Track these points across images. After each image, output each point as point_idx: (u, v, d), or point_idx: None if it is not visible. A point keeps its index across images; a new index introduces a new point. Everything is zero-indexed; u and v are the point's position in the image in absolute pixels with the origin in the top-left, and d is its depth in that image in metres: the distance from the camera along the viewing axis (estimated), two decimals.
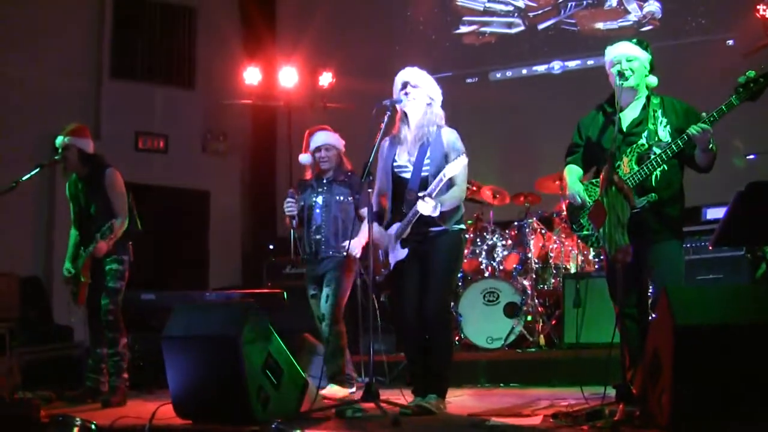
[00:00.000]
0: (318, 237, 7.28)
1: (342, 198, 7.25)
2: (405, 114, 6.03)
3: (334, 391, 7.06)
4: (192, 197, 13.37)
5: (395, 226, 5.95)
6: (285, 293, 9.27)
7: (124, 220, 7.14)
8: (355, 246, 7.07)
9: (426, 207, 5.66)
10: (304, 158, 7.48)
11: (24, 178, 7.35)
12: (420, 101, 6.00)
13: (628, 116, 5.63)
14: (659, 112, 5.52)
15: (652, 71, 5.68)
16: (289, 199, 7.33)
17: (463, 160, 5.72)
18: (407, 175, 5.96)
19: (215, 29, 13.81)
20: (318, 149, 7.37)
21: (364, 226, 6.73)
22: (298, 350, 8.33)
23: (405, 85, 6.02)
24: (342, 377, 7.20)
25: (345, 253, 7.13)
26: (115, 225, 6.99)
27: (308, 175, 7.53)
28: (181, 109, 13.27)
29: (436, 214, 5.71)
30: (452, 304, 8.66)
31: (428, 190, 5.70)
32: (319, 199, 7.32)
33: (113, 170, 7.27)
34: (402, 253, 5.92)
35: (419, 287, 5.90)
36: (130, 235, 7.29)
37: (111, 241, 7.04)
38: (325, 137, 7.40)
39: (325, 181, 7.37)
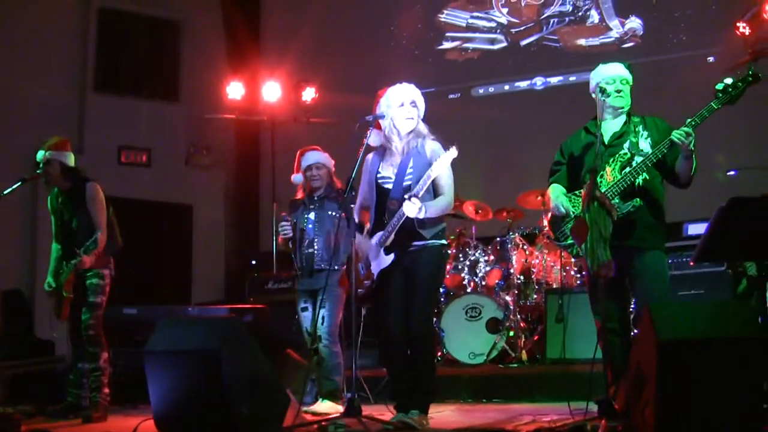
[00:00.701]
0: (311, 251, 7.30)
1: (333, 213, 7.26)
2: (397, 129, 6.00)
3: (326, 407, 7.04)
4: (175, 211, 13.34)
5: (378, 235, 5.93)
6: (267, 308, 9.27)
7: (104, 234, 7.10)
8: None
9: (411, 208, 5.63)
10: (297, 178, 7.54)
11: (5, 192, 7.31)
12: (415, 120, 6.00)
13: (609, 130, 5.71)
14: (640, 127, 5.63)
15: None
16: (283, 223, 7.43)
17: (451, 154, 5.69)
18: (390, 186, 5.95)
19: (200, 43, 13.82)
20: (309, 168, 7.41)
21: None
22: (282, 366, 8.30)
23: (413, 103, 6.00)
24: (338, 394, 7.19)
25: (337, 267, 7.17)
26: (100, 239, 6.97)
27: (299, 194, 7.57)
28: (165, 123, 13.26)
29: (421, 216, 5.68)
30: (434, 319, 8.65)
31: (414, 190, 5.69)
32: (312, 215, 7.36)
33: (93, 184, 7.24)
34: (387, 260, 5.89)
35: (402, 302, 5.88)
36: (111, 250, 7.25)
37: (95, 255, 7.00)
38: (315, 156, 7.45)
39: (316, 198, 7.42)
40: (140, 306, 9.21)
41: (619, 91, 5.63)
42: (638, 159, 5.45)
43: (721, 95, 5.22)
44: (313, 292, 7.29)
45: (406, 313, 5.85)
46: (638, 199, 5.46)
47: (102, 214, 7.17)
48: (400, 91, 6.03)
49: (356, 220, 6.11)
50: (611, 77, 5.70)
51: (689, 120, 5.26)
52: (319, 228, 7.31)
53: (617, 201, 5.44)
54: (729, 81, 5.22)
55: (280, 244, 7.62)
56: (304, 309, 7.40)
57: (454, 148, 5.72)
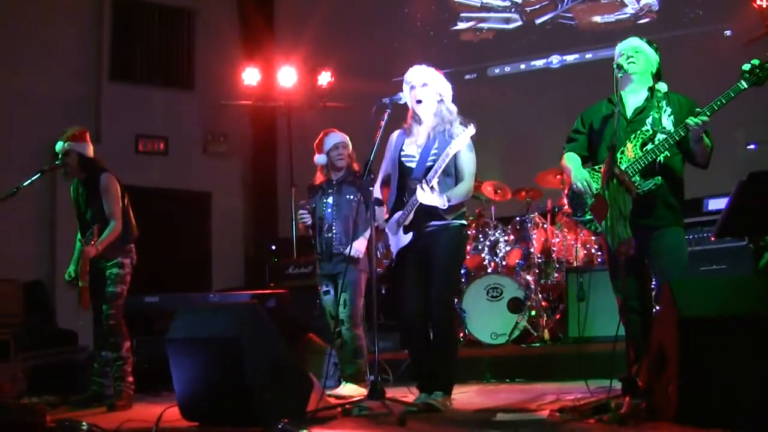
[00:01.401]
0: (329, 235, 7.37)
1: (352, 197, 7.34)
2: (416, 113, 6.01)
3: (350, 390, 7.08)
4: (193, 199, 13.37)
5: (397, 214, 5.94)
6: (288, 293, 9.28)
7: (117, 225, 7.13)
8: (357, 247, 7.16)
9: (425, 195, 5.64)
10: (320, 158, 7.59)
11: (25, 184, 7.34)
12: (430, 100, 5.97)
13: (631, 104, 5.65)
14: (663, 102, 5.55)
15: (660, 78, 5.70)
16: (302, 211, 7.49)
17: (469, 132, 5.70)
18: (413, 165, 5.94)
19: (214, 30, 13.81)
20: (336, 147, 7.49)
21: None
22: (303, 350, 8.33)
23: (414, 84, 5.98)
24: (361, 377, 7.22)
25: (353, 253, 7.19)
26: (107, 230, 7.02)
27: (318, 179, 7.61)
28: (181, 111, 13.28)
29: (443, 205, 5.70)
30: (456, 300, 8.66)
31: (429, 175, 5.68)
32: (330, 200, 7.43)
33: (108, 175, 7.26)
34: (405, 238, 5.89)
35: (421, 284, 5.88)
36: (128, 239, 7.28)
37: (102, 245, 7.03)
38: (340, 136, 7.54)
39: (334, 182, 7.47)
40: (161, 294, 9.24)
41: (630, 57, 5.58)
42: (660, 137, 5.39)
43: (748, 76, 5.15)
44: (333, 276, 7.34)
45: (426, 295, 5.84)
46: (659, 178, 5.41)
47: (115, 205, 7.19)
48: (410, 74, 6.02)
49: (378, 197, 6.11)
50: (623, 49, 5.67)
51: (714, 101, 5.18)
52: (337, 213, 7.36)
53: (638, 179, 5.40)
54: (756, 62, 5.15)
55: (300, 230, 7.67)
56: (326, 293, 7.45)
57: (472, 125, 5.72)
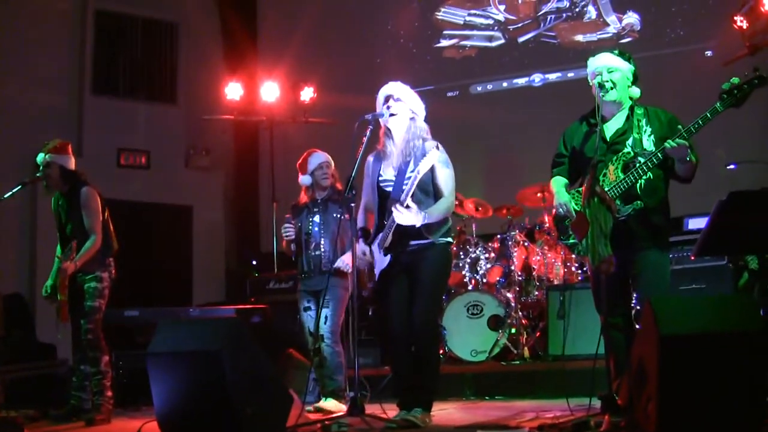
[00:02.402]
0: (318, 253, 7.40)
1: (338, 215, 7.33)
2: (389, 129, 6.03)
3: (331, 405, 7.07)
4: (175, 213, 13.34)
5: (378, 237, 5.96)
6: (269, 308, 9.28)
7: (97, 239, 7.11)
8: (346, 261, 7.13)
9: (403, 217, 5.66)
10: (305, 179, 7.59)
11: (6, 196, 7.32)
12: (402, 115, 5.99)
13: (611, 126, 5.61)
14: (643, 122, 5.51)
15: (635, 82, 5.66)
16: (287, 225, 7.46)
17: (434, 154, 5.72)
18: (390, 188, 5.96)
19: (197, 44, 13.80)
20: (319, 167, 7.51)
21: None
22: (284, 366, 8.31)
23: (387, 99, 6.02)
24: (341, 393, 7.21)
25: (339, 266, 7.21)
26: (87, 244, 7.00)
27: (302, 198, 7.62)
28: (164, 125, 13.25)
29: (420, 223, 5.71)
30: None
31: (402, 197, 5.70)
32: (317, 218, 7.46)
33: (89, 188, 7.23)
34: (385, 261, 5.91)
35: (407, 300, 5.89)
36: (108, 253, 7.26)
37: (81, 260, 7.01)
38: (323, 156, 7.57)
39: (319, 200, 7.50)
40: (141, 308, 9.20)
41: (602, 85, 5.51)
42: (641, 160, 5.38)
43: (726, 97, 5.11)
44: (316, 292, 7.32)
45: (411, 312, 5.85)
46: (639, 202, 5.38)
47: (95, 219, 7.16)
48: (384, 89, 6.10)
49: (361, 224, 6.13)
50: (596, 68, 5.61)
51: (692, 124, 5.18)
52: (325, 230, 7.40)
53: (618, 203, 5.38)
54: (735, 82, 5.14)
55: (283, 246, 7.63)
56: (307, 309, 7.45)
57: (434, 149, 5.76)
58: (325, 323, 7.21)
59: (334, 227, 7.34)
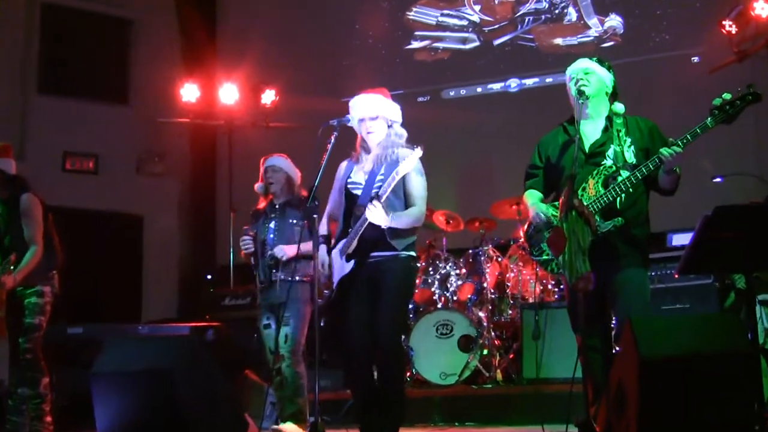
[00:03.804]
0: (271, 263, 7.27)
1: (295, 221, 7.26)
2: (365, 141, 6.04)
3: (291, 429, 7.00)
4: (125, 222, 13.27)
5: (342, 242, 5.93)
6: (225, 326, 9.22)
7: (38, 250, 7.00)
8: (286, 250, 7.11)
9: (374, 213, 5.64)
10: (259, 187, 7.55)
11: None
12: (379, 131, 6.01)
13: (590, 136, 5.62)
14: (623, 132, 5.54)
15: (615, 97, 5.70)
16: (244, 237, 7.39)
17: (417, 153, 5.72)
18: (359, 192, 5.95)
19: (151, 42, 13.75)
20: (266, 171, 7.44)
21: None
22: (240, 388, 8.26)
23: (374, 118, 6.00)
24: (302, 417, 7.14)
25: (299, 278, 7.11)
26: (27, 255, 6.91)
27: (261, 204, 7.55)
28: (114, 127, 13.17)
29: (386, 224, 5.69)
30: (403, 337, 8.64)
31: (381, 191, 5.69)
32: (272, 224, 7.35)
33: (30, 195, 7.11)
34: (346, 267, 5.88)
35: (367, 316, 5.86)
36: (50, 265, 7.15)
37: (21, 274, 6.89)
38: (274, 160, 7.49)
39: (277, 206, 7.40)
40: (86, 325, 9.13)
41: (580, 91, 5.54)
42: (624, 174, 5.38)
43: (717, 113, 5.13)
44: (275, 307, 7.22)
45: (372, 328, 5.82)
46: (620, 218, 5.39)
47: (36, 229, 7.04)
48: (361, 105, 6.04)
49: (324, 232, 6.10)
50: (572, 72, 5.67)
51: (680, 138, 5.21)
52: (279, 237, 7.27)
53: (598, 219, 5.38)
54: (727, 97, 5.16)
55: (243, 258, 7.58)
56: (267, 326, 7.32)
57: (418, 148, 5.76)
58: (285, 342, 7.09)
59: (290, 235, 7.23)
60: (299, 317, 7.13)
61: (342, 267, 5.91)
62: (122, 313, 11.91)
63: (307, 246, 6.76)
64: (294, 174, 7.49)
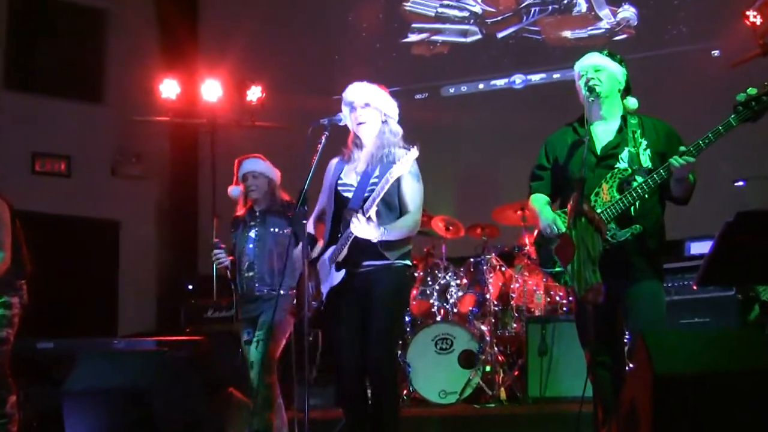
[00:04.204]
0: (251, 274, 7.20)
1: (277, 230, 7.21)
2: (357, 136, 6.01)
3: None
4: (99, 228, 13.25)
5: (330, 249, 5.90)
6: (207, 340, 9.21)
7: (6, 257, 6.98)
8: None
9: (360, 227, 5.58)
10: (234, 191, 7.51)
11: None
12: (373, 122, 5.97)
13: (602, 137, 5.61)
14: (638, 133, 5.52)
15: (628, 92, 5.68)
16: (216, 251, 7.33)
17: (412, 155, 5.58)
18: (349, 194, 5.91)
19: (129, 35, 13.75)
20: (245, 177, 7.36)
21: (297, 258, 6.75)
22: (223, 407, 8.25)
23: (355, 104, 5.98)
24: None
25: (283, 292, 6.97)
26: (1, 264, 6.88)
27: (240, 210, 7.49)
28: (87, 127, 13.17)
29: (377, 239, 5.65)
30: (399, 352, 8.64)
31: (366, 204, 5.64)
32: (252, 233, 7.27)
33: None
34: (336, 277, 5.84)
35: (358, 330, 5.84)
36: (20, 274, 7.14)
37: None
38: (252, 164, 7.42)
39: (258, 213, 7.33)
40: (57, 339, 9.11)
41: (590, 88, 5.52)
42: (639, 178, 5.38)
43: (741, 109, 5.09)
44: (255, 319, 7.16)
45: (364, 343, 5.80)
46: (638, 226, 5.38)
47: (5, 235, 7.02)
48: (350, 93, 6.01)
49: (311, 232, 6.07)
50: (582, 68, 5.66)
51: (701, 139, 5.17)
52: (261, 248, 7.22)
53: (613, 226, 5.37)
54: (752, 93, 5.12)
55: (221, 271, 7.53)
56: (249, 342, 7.22)
57: (414, 148, 5.62)
58: (256, 348, 6.99)
59: (272, 245, 7.18)
60: (277, 326, 7.02)
61: (331, 276, 5.89)
62: (96, 326, 11.91)
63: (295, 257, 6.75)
64: (275, 176, 7.44)
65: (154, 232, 13.97)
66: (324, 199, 6.15)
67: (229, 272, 7.36)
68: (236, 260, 7.32)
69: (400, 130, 6.03)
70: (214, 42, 14.03)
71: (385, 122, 5.99)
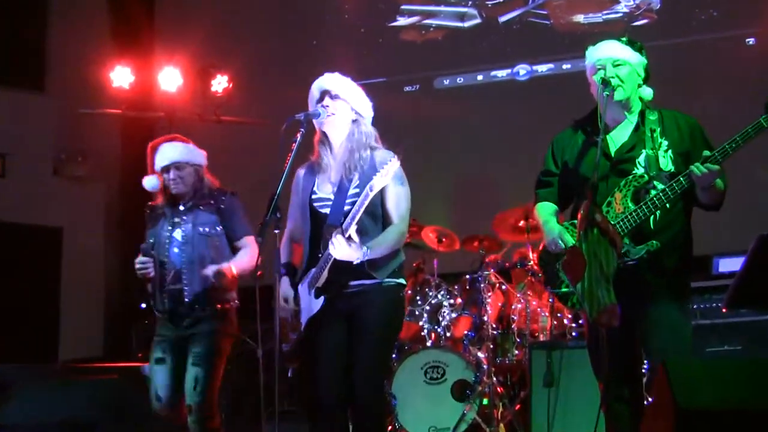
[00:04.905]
0: (177, 287, 6.85)
1: (208, 229, 6.90)
2: (325, 135, 6.00)
3: None
4: (38, 236, 13.22)
5: (309, 274, 5.89)
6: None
7: None
8: (220, 268, 6.73)
9: (340, 248, 5.56)
10: (149, 182, 7.12)
11: None
12: (342, 117, 5.96)
13: (616, 137, 5.61)
14: (658, 132, 5.51)
15: (646, 80, 5.68)
16: (143, 258, 6.92)
17: (391, 167, 5.53)
18: (327, 210, 5.91)
19: (74, 15, 13.74)
20: (166, 169, 6.98)
21: (245, 253, 6.72)
22: None
23: (322, 95, 5.98)
24: None
25: (220, 306, 6.78)
26: None
27: (158, 199, 7.15)
28: (26, 120, 13.15)
29: (357, 260, 5.64)
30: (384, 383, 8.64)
31: (345, 223, 5.62)
32: (178, 234, 6.94)
33: None
34: (315, 304, 5.83)
35: (343, 358, 5.83)
36: None
37: None
38: (172, 152, 7.03)
39: (182, 207, 7.01)
40: None
41: (606, 82, 5.49)
42: (658, 186, 5.37)
43: None
44: (179, 340, 6.82)
45: (348, 376, 5.79)
46: (654, 242, 5.38)
47: None
48: (319, 82, 6.05)
49: (285, 259, 6.05)
50: (598, 61, 5.62)
51: (726, 143, 5.17)
52: (189, 252, 6.88)
53: (627, 242, 5.36)
54: None
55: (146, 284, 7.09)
56: (160, 361, 6.84)
57: (395, 158, 5.60)
58: (194, 388, 6.64)
59: (202, 248, 6.86)
60: (214, 354, 6.77)
61: (310, 304, 5.87)
62: (35, 350, 11.87)
63: (242, 264, 6.69)
64: (202, 160, 7.12)
65: (102, 240, 13.95)
66: (296, 216, 6.12)
67: (149, 285, 6.98)
68: (156, 266, 6.94)
69: (373, 132, 6.02)
70: (174, 24, 14.04)
71: (355, 122, 5.98)
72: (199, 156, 7.10)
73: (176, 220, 6.95)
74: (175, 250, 6.90)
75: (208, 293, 6.77)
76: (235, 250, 7.00)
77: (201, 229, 6.89)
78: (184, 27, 13.52)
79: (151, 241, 7.00)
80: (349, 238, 5.58)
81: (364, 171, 5.83)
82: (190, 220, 6.93)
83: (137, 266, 6.89)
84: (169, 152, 6.99)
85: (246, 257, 6.86)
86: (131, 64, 12.86)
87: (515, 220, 9.68)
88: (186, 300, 6.80)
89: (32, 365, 9.56)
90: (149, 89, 12.99)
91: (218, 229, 6.92)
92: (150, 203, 7.23)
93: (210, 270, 6.71)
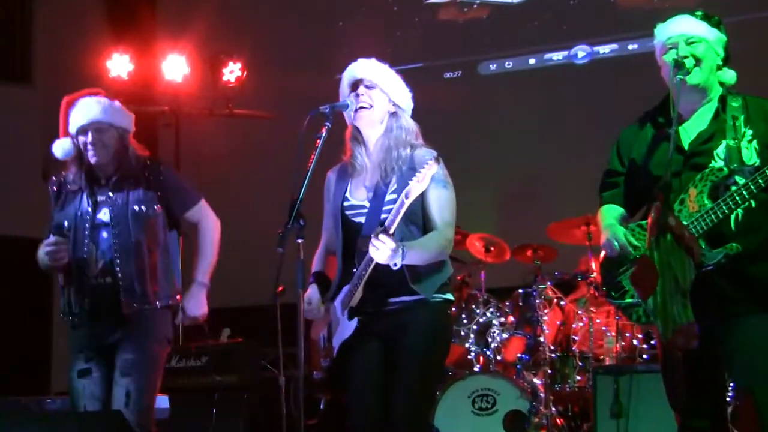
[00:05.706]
0: (107, 280, 6.40)
1: (145, 209, 6.47)
2: (358, 131, 5.96)
3: None
4: (26, 251, 13.19)
5: (343, 291, 5.84)
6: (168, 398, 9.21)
7: None
8: (197, 310, 6.55)
9: (382, 251, 5.48)
10: (62, 147, 6.64)
11: None
12: (379, 110, 5.91)
13: (691, 128, 5.55)
14: (741, 120, 5.45)
15: (726, 61, 5.63)
16: (56, 239, 6.40)
17: (432, 168, 5.40)
18: (362, 219, 5.87)
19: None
20: (83, 131, 6.53)
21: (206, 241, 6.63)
22: None
23: (355, 85, 5.94)
24: None
25: (159, 305, 6.43)
26: None
27: (69, 168, 6.67)
28: (12, 115, 13.21)
29: (395, 262, 5.55)
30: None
31: (386, 224, 5.52)
32: (104, 214, 6.47)
33: None
34: (348, 327, 5.79)
35: (381, 387, 5.78)
36: None
37: None
38: (93, 110, 6.61)
39: (105, 182, 6.56)
40: None
41: (679, 63, 5.48)
42: (739, 180, 5.27)
43: None
44: (106, 349, 6.47)
45: (387, 406, 5.75)
46: (734, 244, 5.30)
47: None
48: (352, 69, 5.99)
49: (318, 268, 6.00)
50: (669, 39, 5.53)
51: None
52: (123, 237, 6.41)
53: (702, 245, 5.30)
54: None
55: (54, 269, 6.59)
56: (85, 372, 6.52)
57: (433, 159, 5.46)
58: (126, 404, 6.24)
59: (137, 232, 6.39)
60: (148, 363, 6.41)
61: (343, 327, 5.83)
62: (24, 381, 11.92)
63: (211, 263, 6.53)
64: (129, 124, 6.81)
65: None
66: (330, 225, 6.07)
67: (61, 277, 6.53)
68: (70, 255, 6.44)
69: (414, 126, 5.94)
70: (178, 5, 14.05)
71: (394, 115, 5.93)
72: (127, 118, 6.76)
73: (101, 198, 6.48)
74: (104, 234, 6.41)
75: (145, 289, 6.36)
76: (176, 226, 6.68)
77: (135, 207, 6.42)
78: (189, 8, 13.55)
79: (56, 222, 6.52)
80: (386, 233, 5.43)
81: (403, 173, 5.75)
82: (120, 197, 6.45)
83: (47, 249, 6.38)
84: (88, 109, 6.59)
85: (209, 247, 6.66)
86: (130, 51, 12.93)
87: (575, 227, 9.65)
88: (120, 297, 6.36)
89: (22, 398, 9.58)
90: (151, 80, 13.03)
91: (156, 208, 6.48)
92: (53, 176, 6.75)
93: (185, 319, 6.53)
